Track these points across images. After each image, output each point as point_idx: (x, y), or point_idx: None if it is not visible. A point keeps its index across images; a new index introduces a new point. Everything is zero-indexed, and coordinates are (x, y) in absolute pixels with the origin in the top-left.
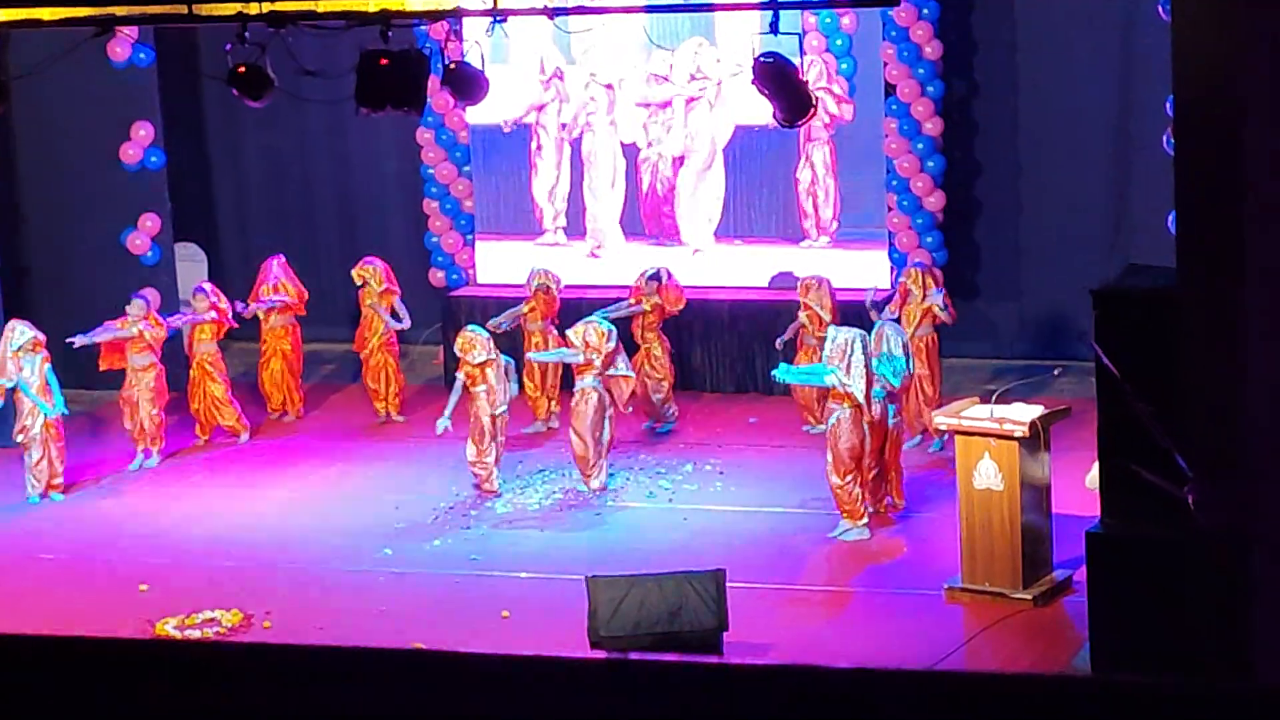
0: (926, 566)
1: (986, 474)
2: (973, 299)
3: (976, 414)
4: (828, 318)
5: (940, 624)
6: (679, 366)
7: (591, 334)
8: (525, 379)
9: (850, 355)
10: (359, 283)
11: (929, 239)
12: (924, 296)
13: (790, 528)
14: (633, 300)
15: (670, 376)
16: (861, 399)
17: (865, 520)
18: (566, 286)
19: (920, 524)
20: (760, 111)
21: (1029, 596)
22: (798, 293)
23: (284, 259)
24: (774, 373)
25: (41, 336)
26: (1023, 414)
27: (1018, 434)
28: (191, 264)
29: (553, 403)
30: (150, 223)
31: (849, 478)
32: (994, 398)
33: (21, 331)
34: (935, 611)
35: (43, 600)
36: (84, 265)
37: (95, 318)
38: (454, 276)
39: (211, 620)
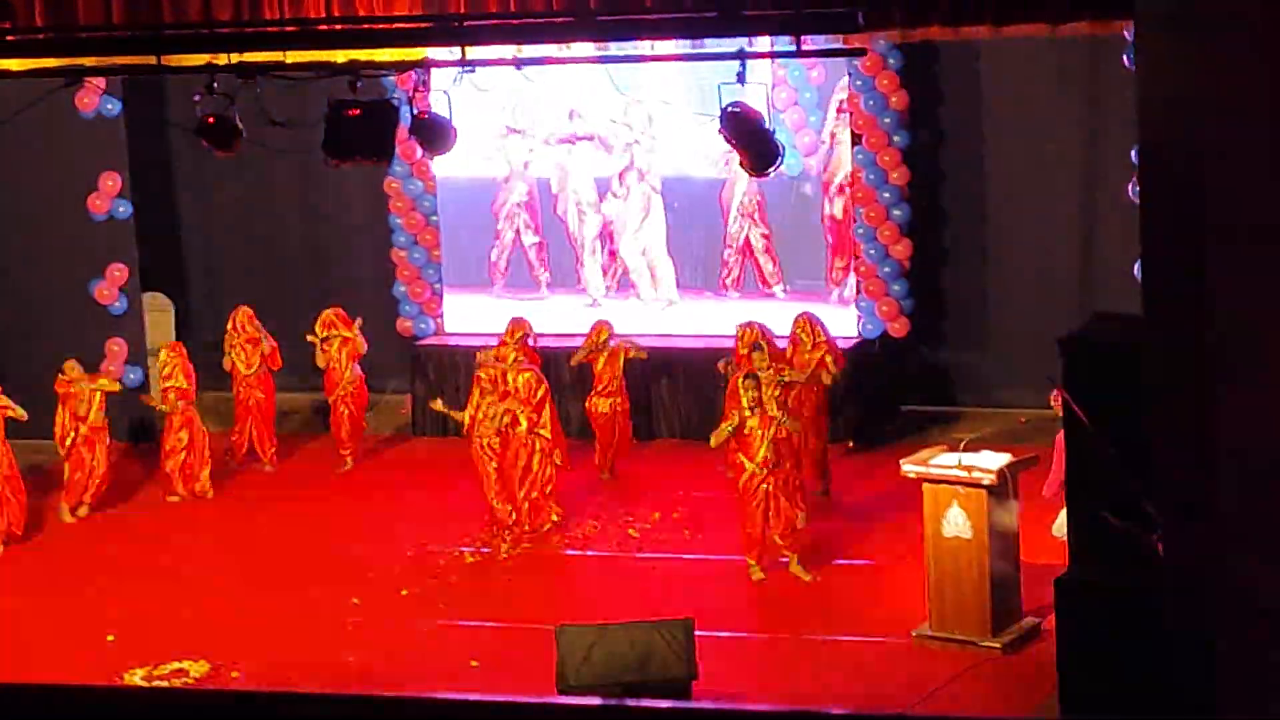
0: (895, 614)
1: (955, 522)
2: (939, 347)
3: (944, 462)
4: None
5: (909, 671)
6: (646, 414)
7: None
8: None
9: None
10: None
11: (895, 287)
12: (812, 345)
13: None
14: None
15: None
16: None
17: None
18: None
19: (888, 572)
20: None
21: (998, 644)
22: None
23: (250, 311)
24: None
25: None
26: (991, 462)
27: (986, 482)
28: (159, 314)
29: None
30: (118, 272)
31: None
32: (962, 446)
33: None
34: (904, 659)
35: (5, 648)
36: (51, 315)
37: (60, 367)
38: (422, 325)
39: (180, 671)
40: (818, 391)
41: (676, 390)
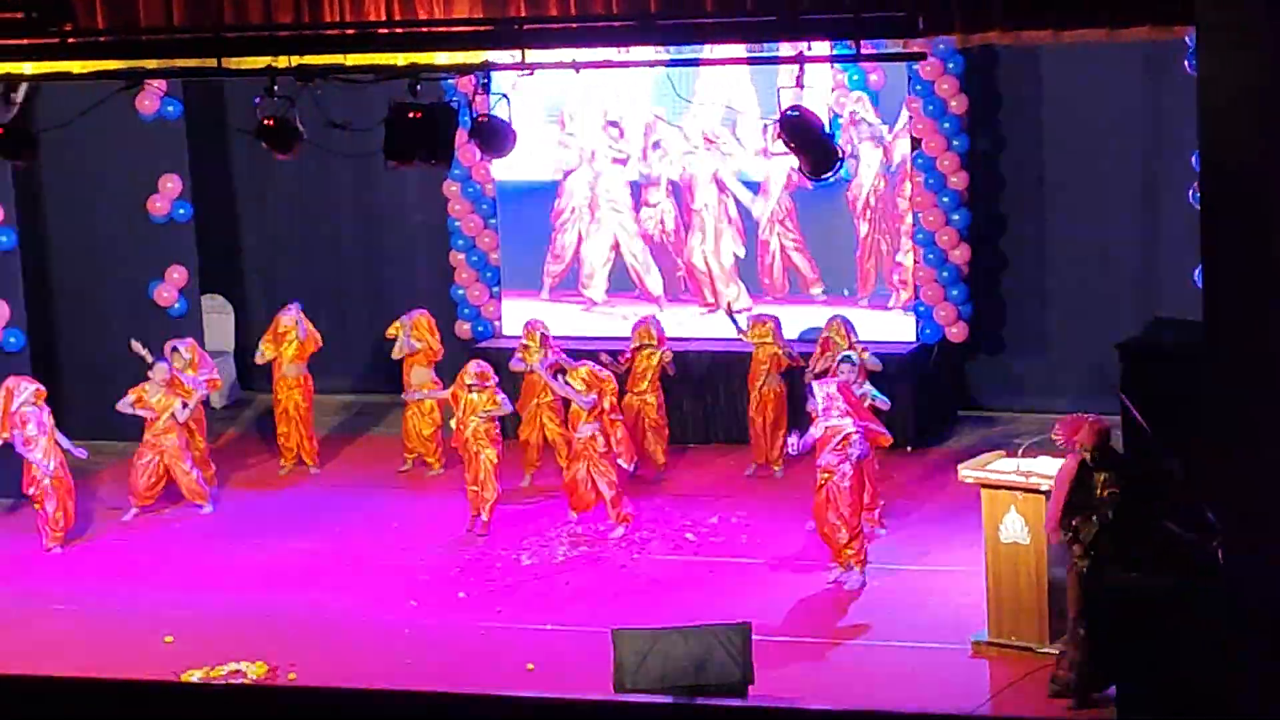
0: (953, 620)
1: (1013, 528)
2: (998, 352)
3: (1003, 467)
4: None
5: (967, 678)
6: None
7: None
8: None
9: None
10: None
11: (954, 292)
12: (848, 347)
13: (816, 580)
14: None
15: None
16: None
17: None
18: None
19: (946, 577)
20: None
21: (1056, 651)
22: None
23: (299, 306)
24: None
25: (42, 389)
26: (1049, 467)
27: (1044, 488)
28: (218, 315)
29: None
30: (177, 275)
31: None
32: (1020, 451)
33: (24, 387)
34: (962, 665)
35: (67, 651)
36: (112, 317)
37: (122, 369)
38: (480, 328)
39: (237, 672)
40: None
41: (734, 394)
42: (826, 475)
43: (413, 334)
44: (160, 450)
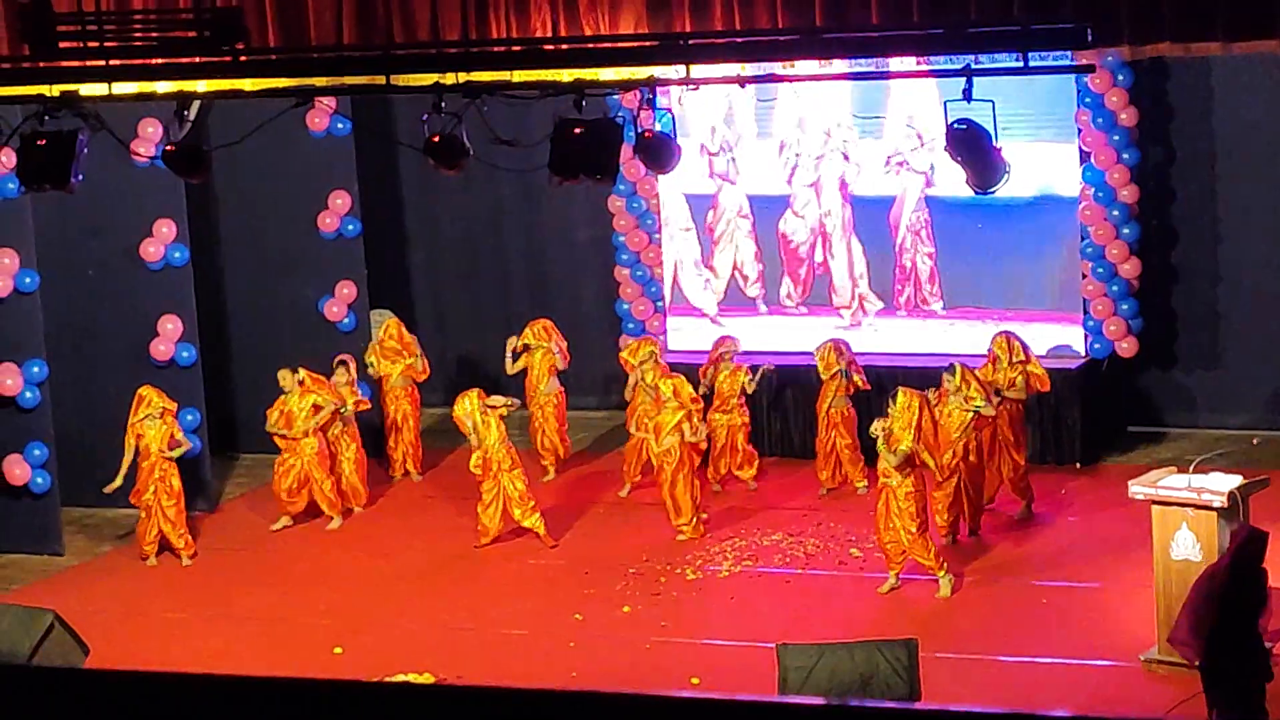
0: (1124, 638)
1: (1184, 545)
2: (1169, 367)
3: (1174, 484)
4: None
5: (1138, 696)
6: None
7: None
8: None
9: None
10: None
11: (1124, 306)
12: (1009, 364)
13: (982, 596)
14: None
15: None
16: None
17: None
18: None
19: (1117, 594)
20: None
21: None
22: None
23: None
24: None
25: (171, 405)
26: (1221, 484)
27: (1216, 504)
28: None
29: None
30: (347, 290)
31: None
32: (1192, 467)
33: (152, 400)
34: (1133, 683)
35: (234, 660)
36: (282, 332)
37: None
38: None
39: (405, 683)
40: (1013, 409)
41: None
42: (885, 482)
43: (536, 340)
44: (300, 457)
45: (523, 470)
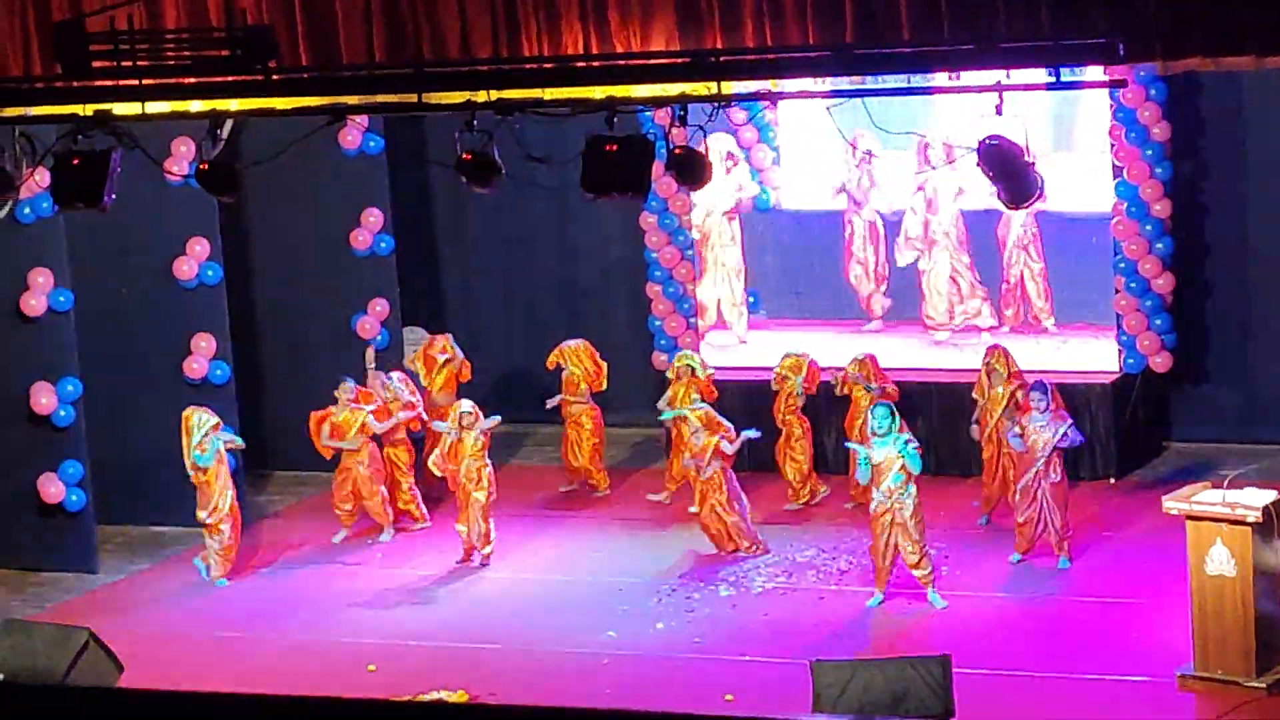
0: (1159, 653)
1: (1219, 560)
2: (1201, 382)
3: (1208, 499)
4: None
5: (1173, 712)
6: None
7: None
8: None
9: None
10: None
11: (1158, 321)
12: (1008, 376)
13: (1016, 613)
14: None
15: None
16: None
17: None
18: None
19: (1152, 609)
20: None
21: (1263, 685)
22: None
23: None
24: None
25: (218, 420)
26: (1256, 499)
27: (1251, 519)
28: (419, 348)
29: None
30: (380, 307)
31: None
32: (1226, 482)
33: (202, 418)
34: (1169, 699)
35: (269, 679)
36: (315, 349)
37: (327, 400)
38: None
39: (438, 701)
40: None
41: (931, 424)
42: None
43: (570, 362)
44: (352, 470)
45: (489, 491)
